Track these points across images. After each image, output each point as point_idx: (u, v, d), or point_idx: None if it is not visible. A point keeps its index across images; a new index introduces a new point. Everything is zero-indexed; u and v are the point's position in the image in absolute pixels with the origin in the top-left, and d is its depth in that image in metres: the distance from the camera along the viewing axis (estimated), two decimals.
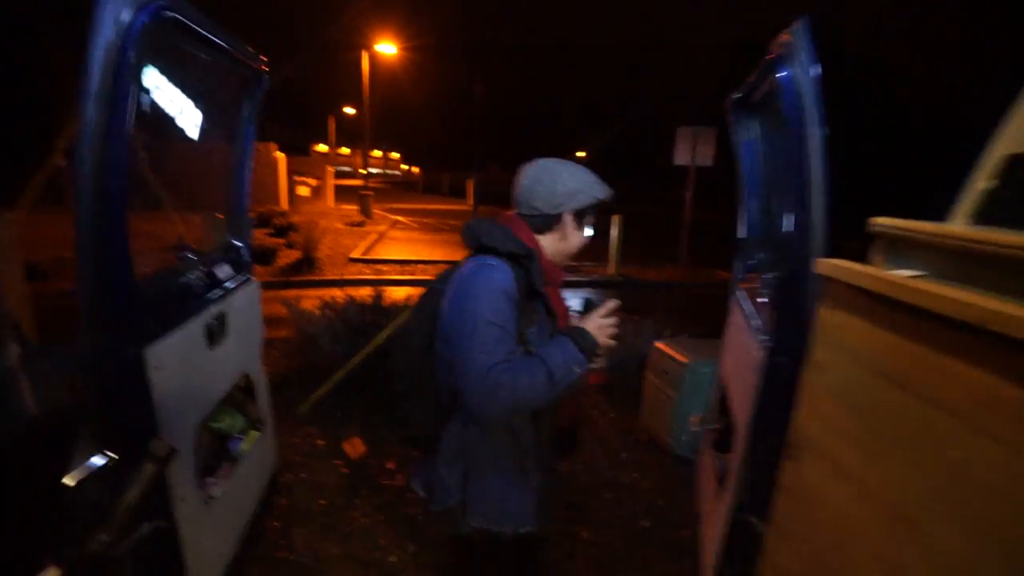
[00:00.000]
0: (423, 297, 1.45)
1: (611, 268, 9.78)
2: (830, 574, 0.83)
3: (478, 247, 1.33)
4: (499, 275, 1.25)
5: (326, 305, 4.88)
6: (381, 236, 14.11)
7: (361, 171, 20.89)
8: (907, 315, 0.69)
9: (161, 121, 1.56)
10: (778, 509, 0.98)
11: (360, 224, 15.78)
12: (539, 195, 1.32)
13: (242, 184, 1.94)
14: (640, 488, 3.25)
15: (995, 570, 0.60)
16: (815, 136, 1.16)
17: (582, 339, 1.23)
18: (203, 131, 1.71)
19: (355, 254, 11.14)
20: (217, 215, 1.93)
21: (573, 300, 1.51)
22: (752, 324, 1.59)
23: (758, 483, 1.37)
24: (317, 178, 21.48)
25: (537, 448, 1.35)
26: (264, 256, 9.66)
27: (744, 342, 1.64)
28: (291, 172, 19.65)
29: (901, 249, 0.79)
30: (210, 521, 1.57)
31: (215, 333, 1.60)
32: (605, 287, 9.25)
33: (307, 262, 9.81)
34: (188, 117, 1.66)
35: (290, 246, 11.00)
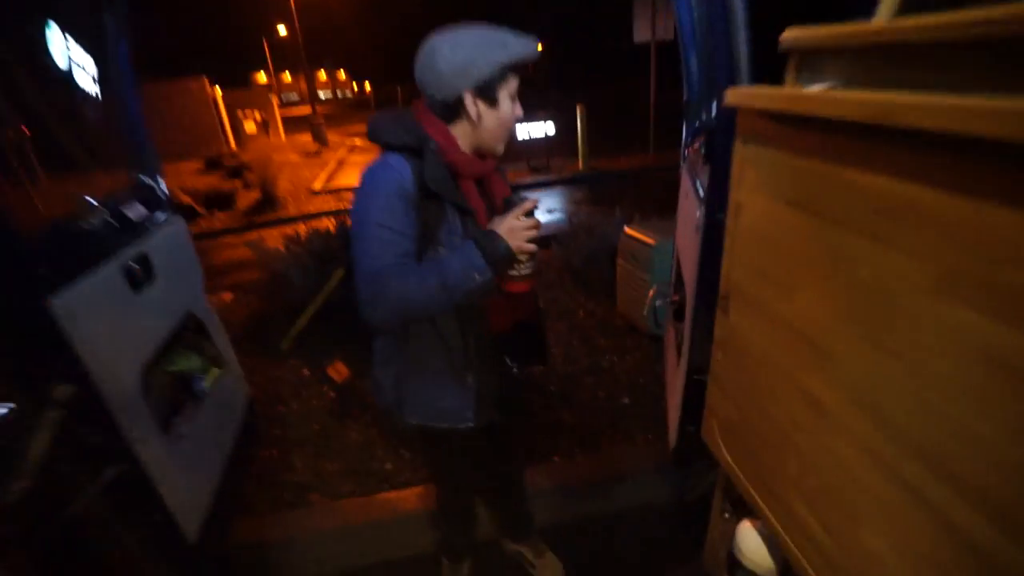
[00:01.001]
0: None
1: (579, 163, 9.52)
2: (760, 415, 0.84)
3: (381, 144, 1.22)
4: (392, 172, 1.15)
5: (290, 241, 4.77)
6: (341, 163, 13.51)
7: (318, 94, 19.61)
8: (811, 131, 0.63)
9: (15, 64, 1.35)
10: (715, 362, 0.99)
11: (316, 154, 15.04)
12: (428, 81, 1.16)
13: (132, 113, 1.74)
14: (619, 370, 3.38)
15: (899, 383, 0.59)
16: None
17: (488, 243, 1.13)
18: (70, 64, 1.49)
19: (316, 186, 10.72)
20: (117, 153, 1.75)
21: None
22: (696, 187, 1.53)
23: (705, 343, 1.39)
24: (262, 111, 20.08)
25: (467, 349, 1.31)
26: (222, 201, 9.31)
27: (690, 208, 1.59)
28: (232, 108, 18.33)
29: (813, 63, 0.71)
30: (182, 457, 1.59)
31: (138, 276, 1.52)
32: (576, 183, 9.07)
33: (268, 201, 9.45)
34: (44, 51, 1.44)
35: (247, 187, 10.57)
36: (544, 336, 1.56)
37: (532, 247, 1.18)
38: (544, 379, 3.30)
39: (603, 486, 2.43)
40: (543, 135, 9.51)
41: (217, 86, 17.78)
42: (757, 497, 0.91)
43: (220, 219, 8.86)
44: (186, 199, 8.85)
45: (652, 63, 9.53)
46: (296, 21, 17.41)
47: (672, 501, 2.26)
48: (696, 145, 1.73)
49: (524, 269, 1.21)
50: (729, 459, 0.99)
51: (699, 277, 1.32)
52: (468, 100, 1.17)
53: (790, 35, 0.72)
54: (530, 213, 1.18)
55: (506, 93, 1.19)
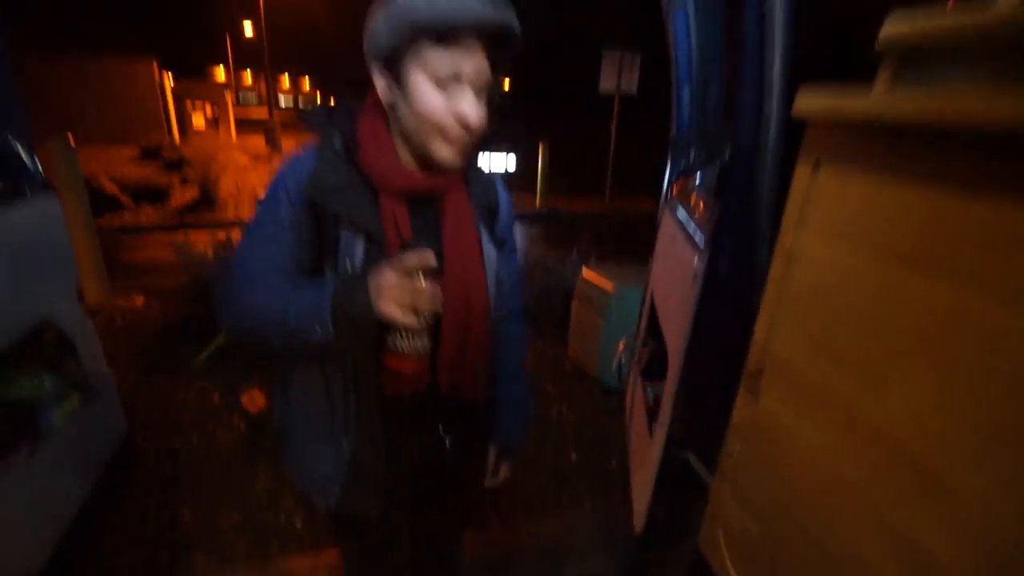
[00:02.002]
0: None
1: (537, 201, 9.49)
2: (803, 542, 0.60)
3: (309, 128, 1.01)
4: (292, 165, 0.92)
5: (221, 246, 4.36)
6: None
7: (276, 102, 18.95)
8: (943, 152, 0.42)
9: None
10: (729, 455, 0.75)
11: (268, 158, 14.33)
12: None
13: None
14: (567, 421, 3.13)
15: None
16: None
17: (347, 292, 0.85)
18: None
19: (263, 192, 10.07)
20: None
21: None
22: (687, 230, 1.33)
23: (695, 414, 1.16)
24: (215, 106, 19.11)
25: (347, 406, 1.01)
26: (154, 194, 8.60)
27: (677, 253, 1.39)
28: (182, 98, 17.35)
29: (924, 60, 0.51)
30: None
31: None
32: (531, 220, 8.99)
33: (206, 201, 8.81)
34: None
35: (185, 183, 9.82)
36: (484, 419, 1.24)
37: (411, 320, 0.82)
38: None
39: (546, 558, 2.12)
40: (503, 169, 9.49)
41: (169, 73, 16.80)
42: None
43: (147, 214, 8.14)
44: (111, 187, 8.09)
45: (614, 114, 9.79)
46: (263, 21, 16.88)
47: None
48: (686, 185, 1.56)
49: (405, 344, 0.87)
50: None
51: (692, 336, 1.10)
52: (375, 76, 0.90)
53: (893, 29, 0.52)
54: (428, 274, 0.83)
55: (420, 70, 0.85)
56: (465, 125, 0.87)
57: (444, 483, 1.36)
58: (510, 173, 9.57)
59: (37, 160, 1.47)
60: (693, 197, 1.44)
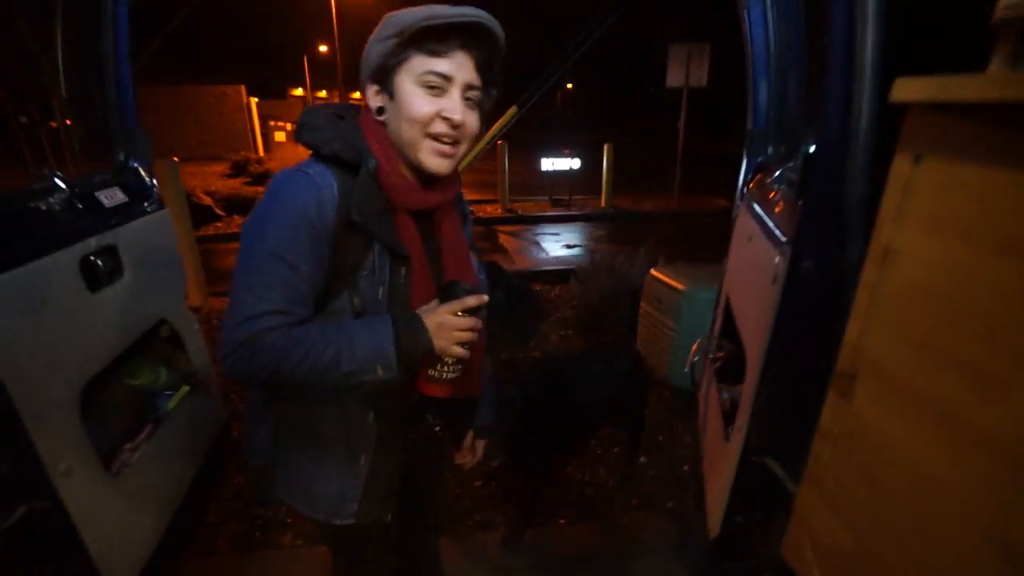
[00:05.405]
0: None
1: (602, 200, 9.35)
2: (904, 555, 0.57)
3: (307, 146, 0.93)
4: (308, 189, 0.86)
5: None
6: None
7: None
8: None
9: None
10: (817, 460, 0.71)
11: None
12: None
13: (124, 86, 1.53)
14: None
15: None
16: None
17: (408, 335, 0.88)
18: (47, 20, 1.30)
19: None
20: (99, 131, 1.54)
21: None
22: (766, 228, 1.28)
23: (775, 418, 1.12)
24: (294, 123, 20.46)
25: (374, 429, 1.02)
26: (243, 206, 9.29)
27: (755, 252, 1.34)
28: (265, 117, 18.71)
29: None
30: (123, 493, 1.32)
31: (100, 271, 1.28)
32: (597, 220, 8.87)
33: None
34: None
35: None
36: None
37: (463, 352, 0.93)
38: (552, 426, 3.00)
39: (613, 559, 2.10)
40: (567, 169, 9.40)
41: (254, 97, 18.20)
42: None
43: (237, 223, 8.80)
44: (207, 200, 8.82)
45: (683, 109, 9.44)
46: (337, 42, 17.87)
47: None
48: (764, 180, 1.50)
49: (448, 373, 0.95)
50: None
51: (773, 338, 1.06)
52: (369, 93, 0.92)
53: (1013, 2, 0.48)
54: (475, 311, 0.93)
55: (410, 79, 0.87)
56: (451, 123, 0.88)
57: (436, 471, 1.39)
58: (574, 172, 9.48)
59: (155, 181, 1.65)
60: (772, 193, 1.38)
